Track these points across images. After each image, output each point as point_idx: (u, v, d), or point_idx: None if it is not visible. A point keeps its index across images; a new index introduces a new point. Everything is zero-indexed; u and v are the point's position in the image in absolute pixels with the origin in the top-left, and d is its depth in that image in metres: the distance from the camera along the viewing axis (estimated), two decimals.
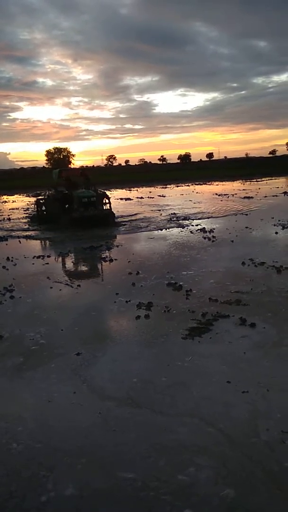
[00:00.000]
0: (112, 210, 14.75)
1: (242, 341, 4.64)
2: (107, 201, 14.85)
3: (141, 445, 2.98)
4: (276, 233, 11.22)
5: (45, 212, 15.72)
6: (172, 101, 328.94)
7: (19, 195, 35.63)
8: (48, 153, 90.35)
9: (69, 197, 14.53)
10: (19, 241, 12.60)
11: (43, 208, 15.93)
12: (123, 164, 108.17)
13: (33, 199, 29.10)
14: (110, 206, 14.86)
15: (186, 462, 2.78)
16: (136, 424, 3.23)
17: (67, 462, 2.84)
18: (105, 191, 15.95)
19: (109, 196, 15.50)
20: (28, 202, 26.71)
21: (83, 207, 13.82)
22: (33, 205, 23.31)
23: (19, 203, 27.56)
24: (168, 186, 37.01)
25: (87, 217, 13.60)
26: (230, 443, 2.95)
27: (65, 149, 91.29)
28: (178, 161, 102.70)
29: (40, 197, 17.82)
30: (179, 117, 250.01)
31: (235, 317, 5.27)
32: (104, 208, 14.67)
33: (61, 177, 15.83)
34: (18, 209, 22.63)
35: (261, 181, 36.63)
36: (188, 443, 2.97)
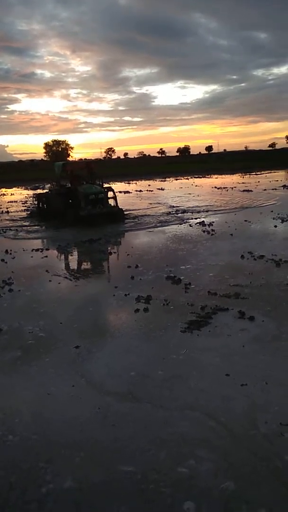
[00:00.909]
0: (120, 207, 13.89)
1: (241, 334, 4.65)
2: (112, 194, 13.88)
3: (140, 439, 2.99)
4: (275, 226, 11.20)
5: (45, 207, 14.83)
6: (172, 93, 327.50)
7: (18, 188, 35.46)
8: (47, 145, 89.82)
9: (74, 192, 13.55)
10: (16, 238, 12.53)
11: (45, 203, 15.00)
12: (122, 157, 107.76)
13: (31, 192, 29.09)
14: (116, 202, 13.87)
15: (186, 454, 2.79)
16: (135, 418, 3.23)
17: (65, 455, 2.85)
18: (110, 185, 15.18)
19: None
20: (26, 195, 26.58)
21: (90, 204, 12.91)
22: (32, 199, 23.37)
23: (18, 196, 27.43)
24: (167, 179, 36.86)
25: (95, 215, 12.74)
26: (230, 436, 2.96)
27: (63, 141, 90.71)
28: (177, 154, 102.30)
29: (41, 192, 16.72)
30: (179, 110, 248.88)
31: (234, 310, 5.27)
32: (111, 203, 13.75)
33: (65, 170, 14.67)
34: (16, 202, 22.53)
35: (260, 174, 36.50)
36: (188, 436, 2.98)
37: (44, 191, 19.37)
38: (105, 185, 14.28)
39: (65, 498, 2.50)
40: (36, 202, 16.09)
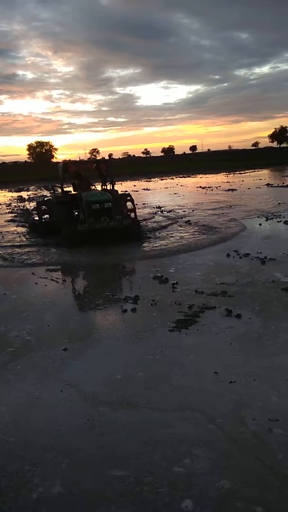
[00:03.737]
0: (138, 219, 11.05)
1: (228, 332, 4.69)
2: (131, 205, 10.97)
3: (133, 441, 2.99)
4: (260, 224, 11.35)
5: (45, 219, 11.62)
6: (155, 93, 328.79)
7: (1, 190, 35.04)
8: (30, 147, 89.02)
9: (79, 200, 10.62)
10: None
11: (45, 214, 11.73)
12: (107, 157, 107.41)
13: (16, 194, 28.75)
14: (135, 213, 11.06)
15: (181, 454, 2.80)
16: (126, 421, 3.23)
17: (53, 461, 2.83)
18: (127, 191, 12.24)
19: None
20: (10, 198, 26.29)
21: (94, 215, 9.72)
22: (16, 201, 23.07)
23: (1, 198, 27.10)
24: (152, 179, 36.91)
25: (97, 230, 9.62)
26: (220, 434, 2.98)
27: (47, 143, 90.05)
28: (162, 154, 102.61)
29: (41, 200, 13.94)
30: (162, 110, 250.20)
31: (221, 309, 5.31)
32: (126, 216, 10.56)
33: (68, 172, 11.52)
34: (0, 204, 22.26)
35: (244, 173, 36.90)
36: (180, 435, 2.99)
37: (29, 193, 18.36)
38: (120, 191, 11.49)
39: (57, 502, 2.48)
40: (36, 213, 12.79)
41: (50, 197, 13.14)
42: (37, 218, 12.29)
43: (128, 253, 8.97)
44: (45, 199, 15.46)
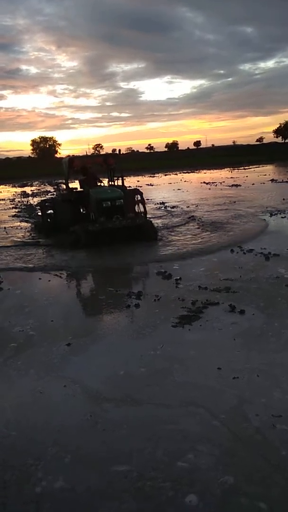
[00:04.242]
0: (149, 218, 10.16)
1: (232, 327, 4.67)
2: (139, 198, 10.11)
3: (135, 437, 2.99)
4: (264, 220, 11.29)
5: (50, 219, 10.81)
6: (159, 88, 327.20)
7: (5, 185, 35.11)
8: (34, 142, 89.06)
9: (86, 197, 9.93)
10: None
11: (49, 214, 10.93)
12: (111, 152, 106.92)
13: (19, 190, 28.80)
14: (145, 210, 10.20)
15: (184, 450, 2.80)
16: (129, 416, 3.23)
17: (56, 456, 2.84)
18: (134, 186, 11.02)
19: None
20: (14, 193, 26.36)
21: (105, 214, 9.01)
22: (20, 197, 23.15)
23: (5, 193, 27.15)
24: (156, 175, 36.85)
25: (110, 230, 8.81)
26: (223, 430, 2.97)
27: (51, 138, 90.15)
28: (166, 149, 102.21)
29: (45, 198, 13.24)
30: (166, 105, 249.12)
31: (224, 304, 5.29)
32: (140, 214, 9.95)
33: (73, 167, 10.63)
34: (4, 200, 22.30)
35: (249, 168, 36.70)
36: (183, 431, 2.99)
37: (32, 188, 18.20)
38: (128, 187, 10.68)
39: (60, 498, 2.49)
40: (40, 213, 11.80)
41: (54, 194, 12.75)
42: (40, 214, 11.50)
43: (139, 255, 8.30)
44: (49, 196, 15.10)
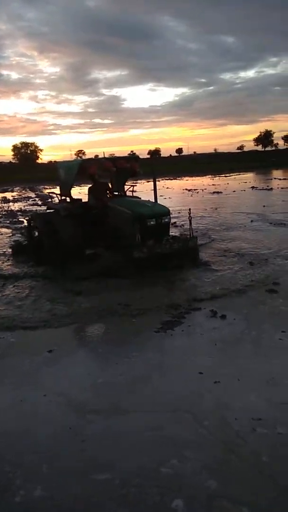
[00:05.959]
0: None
1: (213, 332, 4.71)
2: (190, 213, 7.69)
3: (119, 444, 2.97)
4: (245, 226, 11.47)
5: (42, 241, 8.09)
6: (141, 95, 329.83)
7: None
8: (15, 148, 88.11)
9: (103, 214, 7.66)
10: None
11: (43, 233, 8.18)
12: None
13: (0, 195, 28.35)
14: (190, 227, 7.73)
15: (168, 455, 2.80)
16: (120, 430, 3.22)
17: (34, 464, 2.80)
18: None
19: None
20: None
21: (151, 236, 6.99)
22: (0, 202, 22.76)
23: None
24: (138, 181, 36.94)
25: (160, 256, 6.77)
26: (205, 434, 2.99)
27: (32, 143, 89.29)
28: (148, 156, 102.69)
29: (36, 213, 11.26)
30: (149, 112, 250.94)
31: (206, 310, 5.33)
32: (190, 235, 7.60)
33: (84, 173, 7.90)
34: None
35: (230, 176, 37.27)
36: (165, 437, 2.99)
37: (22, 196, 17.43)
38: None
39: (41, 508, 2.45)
40: (26, 231, 9.47)
41: (47, 208, 9.72)
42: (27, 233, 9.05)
43: (186, 290, 6.19)
44: (37, 211, 12.29)
